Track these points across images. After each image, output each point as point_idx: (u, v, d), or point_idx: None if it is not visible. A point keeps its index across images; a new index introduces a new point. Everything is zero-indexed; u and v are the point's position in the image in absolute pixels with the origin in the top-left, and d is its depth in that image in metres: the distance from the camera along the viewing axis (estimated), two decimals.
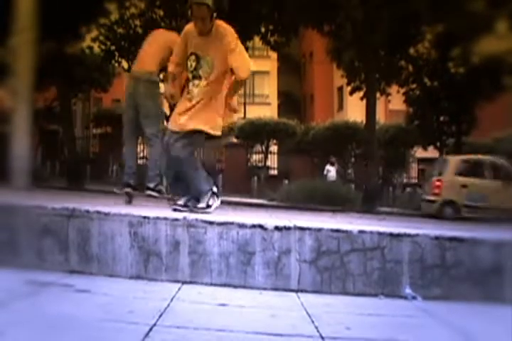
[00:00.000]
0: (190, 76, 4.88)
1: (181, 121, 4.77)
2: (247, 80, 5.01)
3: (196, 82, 4.83)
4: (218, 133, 4.89)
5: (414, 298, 3.74)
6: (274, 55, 34.12)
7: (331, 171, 20.76)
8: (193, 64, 4.84)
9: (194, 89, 4.82)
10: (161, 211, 4.42)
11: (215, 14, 4.70)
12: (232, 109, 5.21)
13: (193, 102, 4.79)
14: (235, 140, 25.05)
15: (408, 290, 3.77)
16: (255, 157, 26.44)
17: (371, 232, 3.85)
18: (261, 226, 3.81)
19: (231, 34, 4.72)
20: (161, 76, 5.88)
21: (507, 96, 17.37)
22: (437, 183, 14.41)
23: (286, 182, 19.74)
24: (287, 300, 3.50)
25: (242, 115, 32.35)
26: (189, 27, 4.88)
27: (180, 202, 4.79)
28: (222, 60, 4.72)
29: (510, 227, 5.09)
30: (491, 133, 21.88)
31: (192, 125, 4.74)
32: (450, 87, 17.15)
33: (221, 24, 4.76)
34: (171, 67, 5.09)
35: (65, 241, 3.76)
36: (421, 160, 24.82)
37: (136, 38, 18.40)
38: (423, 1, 14.00)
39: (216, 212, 4.80)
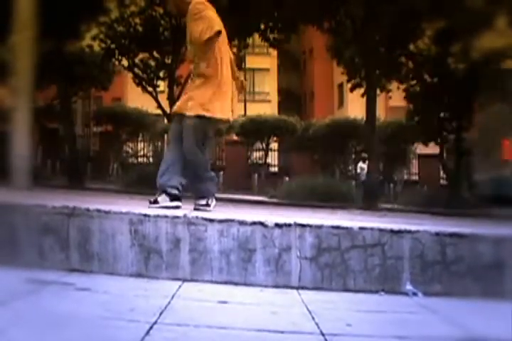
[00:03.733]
0: None
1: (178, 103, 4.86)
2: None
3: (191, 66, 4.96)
4: (217, 115, 4.82)
5: (414, 294, 3.74)
6: (274, 52, 34.07)
7: (365, 169, 20.17)
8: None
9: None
10: (161, 209, 4.42)
11: None
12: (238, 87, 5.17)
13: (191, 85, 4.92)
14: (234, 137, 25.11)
15: (409, 287, 3.77)
16: (256, 154, 26.45)
17: (372, 229, 3.85)
18: (261, 224, 3.81)
19: (193, 8, 4.74)
20: None
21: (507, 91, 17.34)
22: None
23: (287, 179, 19.74)
24: (288, 297, 3.50)
25: (243, 112, 32.38)
26: None
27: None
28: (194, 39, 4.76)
29: (510, 223, 5.09)
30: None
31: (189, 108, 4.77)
32: (450, 82, 17.10)
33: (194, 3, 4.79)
34: None
35: (66, 240, 3.76)
36: (421, 157, 24.78)
37: (136, 36, 18.42)
38: None
39: (217, 209, 4.80)
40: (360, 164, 20.80)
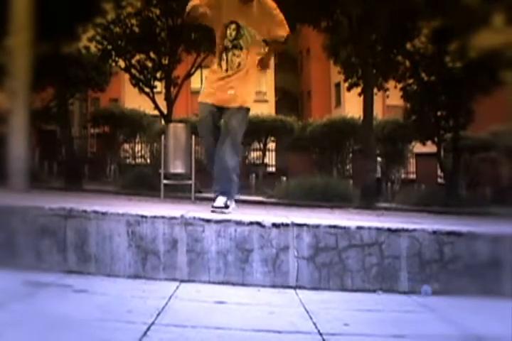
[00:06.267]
0: (229, 45, 4.79)
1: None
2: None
3: (237, 52, 4.77)
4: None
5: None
6: None
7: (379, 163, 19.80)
8: (233, 33, 4.75)
9: (235, 59, 4.77)
10: (159, 209, 4.42)
11: None
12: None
13: (230, 73, 4.77)
14: None
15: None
16: (253, 154, 26.41)
17: (369, 228, 3.85)
18: (259, 224, 3.81)
19: (275, 6, 4.79)
20: None
21: (504, 90, 17.34)
22: None
23: (285, 179, 19.71)
24: (285, 297, 3.50)
25: None
26: None
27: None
28: (260, 30, 4.72)
29: (507, 221, 5.10)
30: (489, 127, 21.88)
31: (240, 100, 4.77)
32: (447, 81, 17.09)
33: None
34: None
35: (63, 242, 3.76)
36: (419, 155, 24.78)
37: (132, 37, 18.42)
38: None
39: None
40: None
